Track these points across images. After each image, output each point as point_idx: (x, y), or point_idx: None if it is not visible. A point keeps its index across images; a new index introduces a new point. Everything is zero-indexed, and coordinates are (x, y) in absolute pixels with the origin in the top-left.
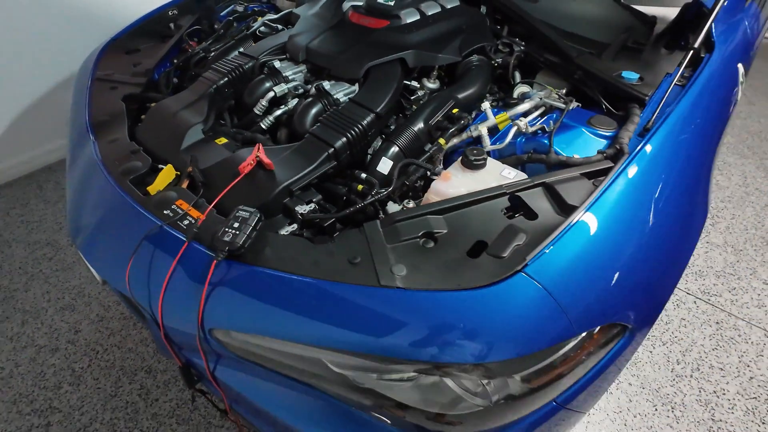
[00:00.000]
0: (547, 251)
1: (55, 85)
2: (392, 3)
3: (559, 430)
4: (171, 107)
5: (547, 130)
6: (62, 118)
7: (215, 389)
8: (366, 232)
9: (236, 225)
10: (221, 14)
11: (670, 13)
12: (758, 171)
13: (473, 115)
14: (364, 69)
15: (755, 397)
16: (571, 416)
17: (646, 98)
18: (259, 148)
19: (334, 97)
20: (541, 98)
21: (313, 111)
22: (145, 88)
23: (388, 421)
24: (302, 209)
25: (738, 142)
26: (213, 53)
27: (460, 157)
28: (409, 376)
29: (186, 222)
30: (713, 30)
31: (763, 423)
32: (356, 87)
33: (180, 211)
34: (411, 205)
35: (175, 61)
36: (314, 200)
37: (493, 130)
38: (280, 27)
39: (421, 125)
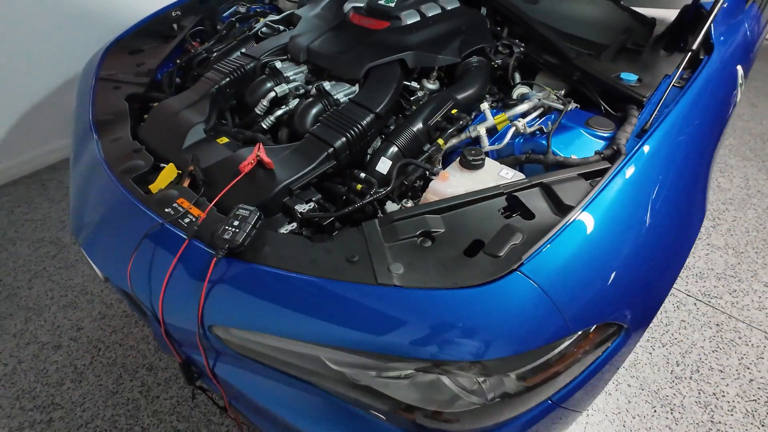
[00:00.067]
0: (543, 250)
1: (59, 85)
2: (393, 4)
3: (556, 429)
4: (173, 107)
5: (545, 130)
6: (66, 118)
7: (215, 386)
8: (364, 230)
9: (236, 223)
10: (224, 15)
11: (670, 14)
12: (760, 173)
13: (472, 116)
14: (364, 70)
15: (755, 400)
16: (567, 415)
17: (644, 99)
18: (259, 148)
19: (335, 97)
20: (539, 99)
21: (314, 111)
22: (148, 88)
23: (385, 419)
24: (302, 208)
25: (740, 144)
26: (215, 54)
27: (459, 157)
28: (406, 374)
29: (187, 220)
30: (712, 32)
31: (763, 425)
32: (356, 87)
33: (181, 210)
34: (409, 204)
35: (177, 61)
36: (314, 199)
37: (491, 131)
38: (281, 28)
39: (420, 125)
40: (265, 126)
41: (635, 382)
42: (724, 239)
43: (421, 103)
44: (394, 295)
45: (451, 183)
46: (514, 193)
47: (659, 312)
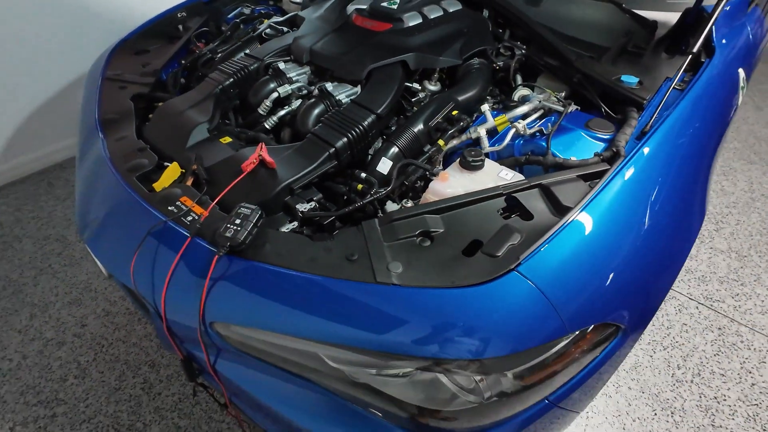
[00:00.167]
0: (540, 251)
1: (66, 84)
2: (395, 6)
3: (553, 429)
4: (178, 107)
5: (545, 132)
6: (73, 117)
7: (216, 383)
8: (364, 230)
9: (238, 221)
10: (228, 16)
11: (671, 17)
12: (764, 177)
13: (473, 118)
14: (366, 71)
15: (756, 404)
16: (564, 415)
17: (644, 102)
18: (261, 147)
19: (337, 98)
20: (539, 101)
21: (316, 111)
22: (153, 88)
23: (383, 416)
24: (303, 207)
25: (745, 147)
26: (220, 54)
27: (458, 158)
28: (404, 372)
29: (189, 218)
30: (713, 34)
31: (764, 430)
32: (358, 88)
33: (184, 208)
34: (409, 204)
35: (182, 61)
36: (314, 199)
37: (492, 132)
38: (285, 29)
39: (420, 126)
40: (267, 126)
41: (636, 385)
42: (727, 243)
43: (422, 104)
44: (392, 293)
45: (451, 183)
46: (513, 194)
47: (661, 315)
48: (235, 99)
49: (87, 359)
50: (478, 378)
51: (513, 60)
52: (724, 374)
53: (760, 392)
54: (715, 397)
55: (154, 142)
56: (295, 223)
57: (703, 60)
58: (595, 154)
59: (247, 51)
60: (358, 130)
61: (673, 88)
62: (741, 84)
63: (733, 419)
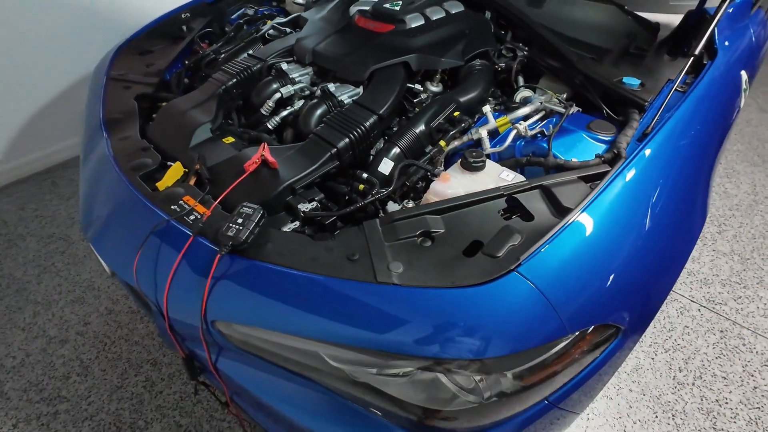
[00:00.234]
0: (540, 252)
1: (71, 84)
2: (398, 8)
3: (553, 430)
4: (181, 107)
5: (546, 133)
6: (77, 117)
7: (217, 381)
8: (365, 230)
9: (240, 221)
10: (232, 17)
11: (674, 19)
12: None
13: (475, 119)
14: (368, 72)
15: (758, 407)
16: (563, 416)
17: (646, 104)
18: (264, 147)
19: (339, 98)
20: (541, 102)
21: (318, 112)
22: (156, 88)
23: (384, 416)
24: (304, 207)
25: (748, 149)
26: (223, 55)
27: (460, 159)
28: (405, 372)
29: (192, 217)
30: (716, 36)
31: None
32: (360, 89)
33: (187, 207)
34: (410, 205)
35: (186, 62)
36: (316, 198)
37: (493, 133)
38: (288, 30)
39: (422, 127)
40: (270, 126)
41: (637, 387)
42: (729, 245)
43: (424, 105)
44: (392, 293)
45: (452, 184)
46: (514, 195)
47: (662, 317)
48: (238, 99)
49: (89, 357)
50: (478, 378)
51: (515, 61)
52: (726, 377)
53: (762, 395)
54: (717, 400)
55: (158, 142)
56: (297, 223)
57: (705, 62)
58: (597, 156)
59: (251, 52)
60: (359, 130)
61: (675, 90)
62: (743, 86)
63: (734, 422)
